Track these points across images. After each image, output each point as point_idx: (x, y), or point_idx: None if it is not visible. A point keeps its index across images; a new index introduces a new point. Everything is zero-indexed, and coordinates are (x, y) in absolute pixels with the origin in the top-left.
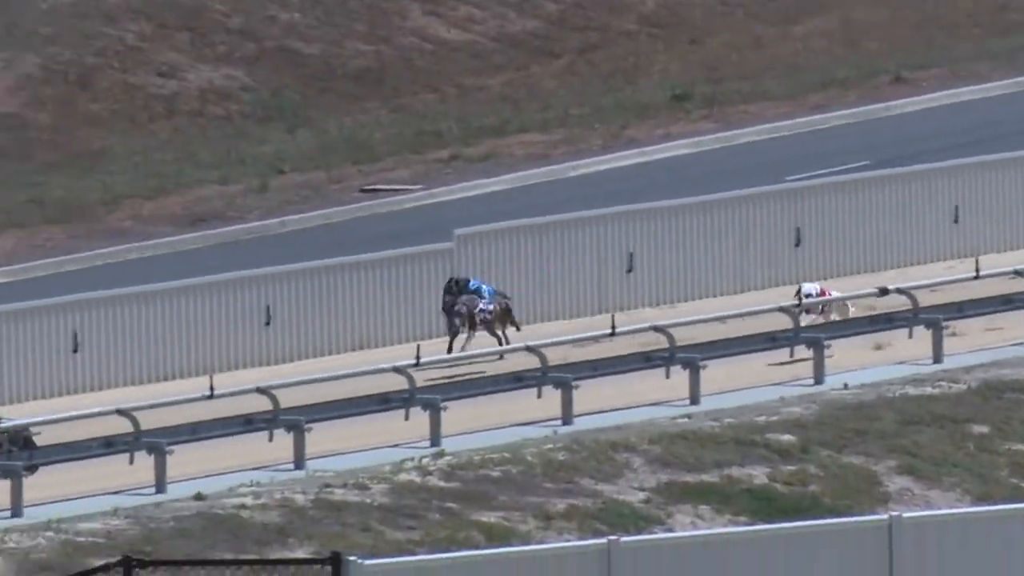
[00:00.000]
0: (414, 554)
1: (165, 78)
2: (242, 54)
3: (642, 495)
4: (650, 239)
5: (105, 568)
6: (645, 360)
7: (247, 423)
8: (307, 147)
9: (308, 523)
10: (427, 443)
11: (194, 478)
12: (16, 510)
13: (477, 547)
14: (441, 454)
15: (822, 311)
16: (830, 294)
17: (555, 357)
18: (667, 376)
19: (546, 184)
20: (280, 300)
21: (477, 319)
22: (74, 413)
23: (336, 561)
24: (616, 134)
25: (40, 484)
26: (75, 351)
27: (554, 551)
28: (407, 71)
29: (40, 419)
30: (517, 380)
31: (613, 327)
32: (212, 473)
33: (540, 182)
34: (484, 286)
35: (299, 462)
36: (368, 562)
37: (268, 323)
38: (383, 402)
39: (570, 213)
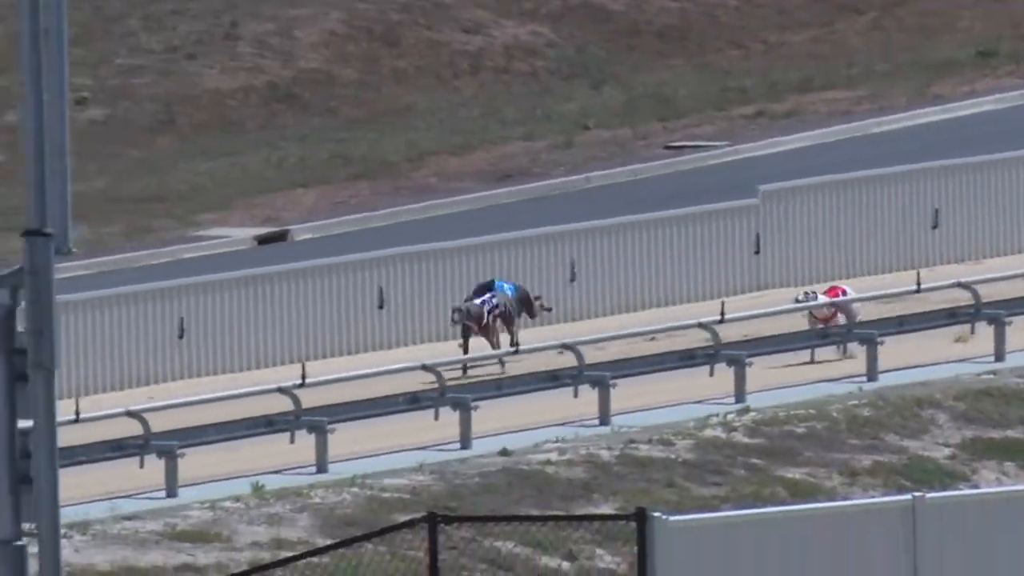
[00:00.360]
0: (719, 510)
1: (470, 34)
2: (547, 10)
3: (947, 451)
4: (956, 195)
5: (410, 524)
6: (950, 316)
7: (553, 379)
8: (612, 103)
9: (613, 479)
10: (731, 399)
11: (499, 434)
12: (321, 466)
13: (782, 503)
14: (746, 410)
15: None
16: (844, 294)
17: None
18: (972, 332)
19: (849, 141)
20: (584, 256)
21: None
22: (379, 369)
23: (641, 517)
24: (921, 91)
25: (345, 440)
26: (380, 307)
27: (858, 508)
28: (712, 27)
29: (346, 375)
30: (823, 337)
31: (919, 283)
32: (517, 429)
33: (844, 139)
34: (507, 284)
35: (604, 418)
36: (673, 518)
37: (572, 279)
38: (687, 358)
39: (875, 169)
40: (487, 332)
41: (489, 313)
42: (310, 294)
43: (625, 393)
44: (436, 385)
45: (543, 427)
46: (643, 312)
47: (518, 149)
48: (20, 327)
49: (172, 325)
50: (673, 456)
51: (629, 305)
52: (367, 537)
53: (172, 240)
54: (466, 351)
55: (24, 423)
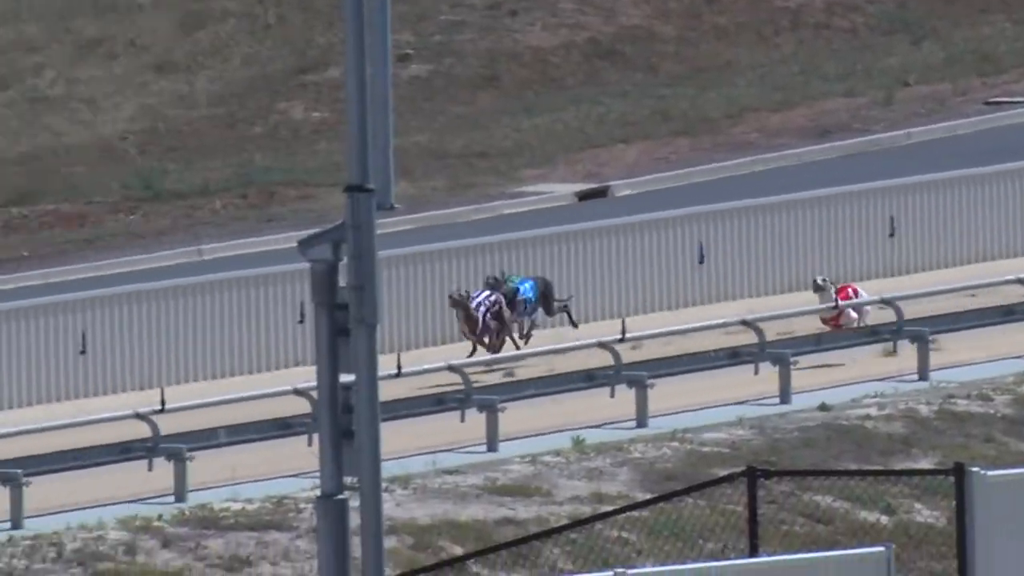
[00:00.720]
0: None
1: None
2: None
3: None
4: None
5: (729, 478)
6: None
7: (872, 334)
8: (932, 59)
9: (932, 434)
10: None
11: (818, 389)
12: (641, 420)
13: None
14: None
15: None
16: (856, 294)
17: None
18: None
19: None
20: (904, 212)
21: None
22: (698, 324)
23: (959, 472)
24: None
25: (665, 395)
26: (700, 262)
27: None
28: None
29: (666, 330)
30: None
31: None
32: (835, 384)
33: None
34: (528, 281)
35: (923, 373)
36: (992, 473)
37: (892, 234)
38: (1006, 314)
39: None
40: (484, 333)
41: (484, 314)
42: (630, 250)
43: (947, 348)
44: (756, 341)
45: (862, 382)
46: (963, 267)
47: (838, 105)
48: (342, 282)
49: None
50: (992, 411)
51: (949, 260)
52: (687, 491)
53: (494, 196)
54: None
55: (346, 378)
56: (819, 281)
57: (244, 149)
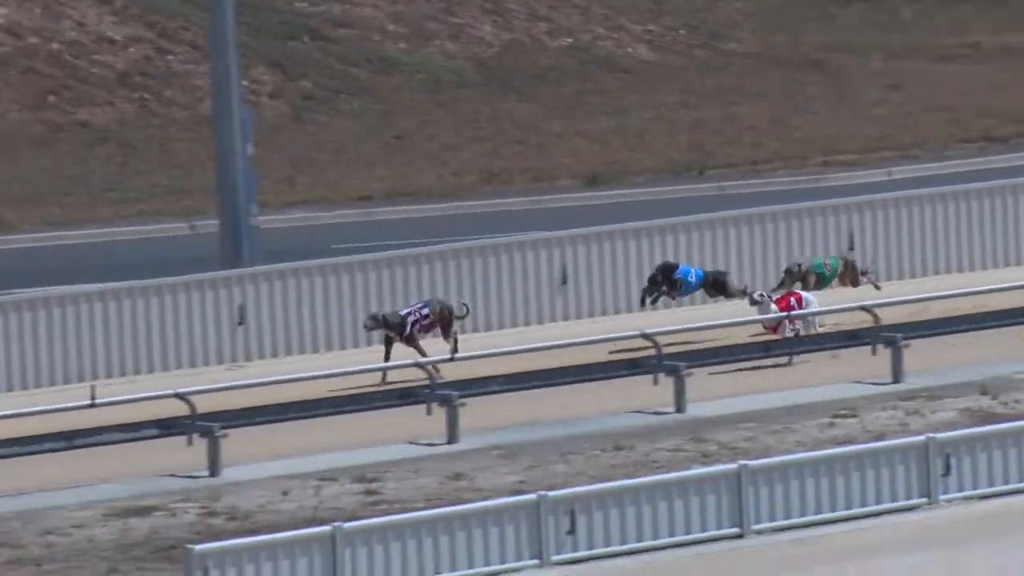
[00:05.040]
0: None
1: None
2: None
3: None
4: None
5: None
6: None
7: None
8: None
9: None
10: None
11: None
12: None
13: None
14: None
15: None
16: (799, 302)
17: None
18: None
19: None
20: None
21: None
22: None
23: None
24: None
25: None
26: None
27: None
28: None
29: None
30: None
31: None
32: None
33: None
34: (693, 270)
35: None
36: None
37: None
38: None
39: None
40: (410, 342)
41: (413, 324)
42: None
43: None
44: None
45: None
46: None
47: None
48: None
49: None
50: None
51: None
52: None
53: None
54: (387, 359)
55: None
56: (756, 297)
57: None
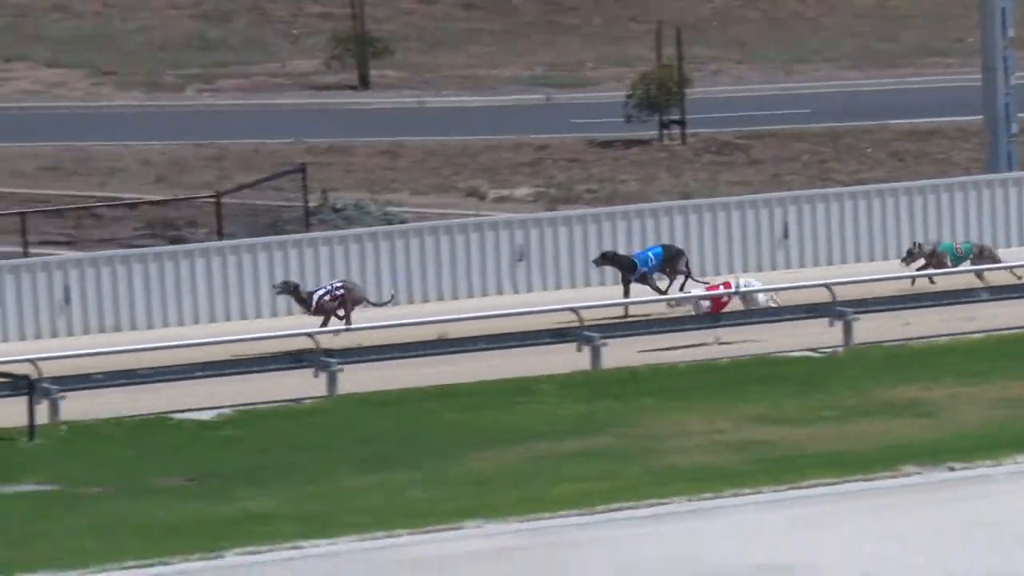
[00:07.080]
0: None
1: None
2: None
3: None
4: None
5: None
6: None
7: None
8: None
9: None
10: None
11: None
12: None
13: None
14: None
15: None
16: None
17: None
18: None
19: None
20: None
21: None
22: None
23: None
24: None
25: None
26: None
27: None
28: None
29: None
30: None
31: None
32: None
33: None
34: (651, 251)
35: None
36: None
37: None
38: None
39: None
40: (320, 312)
41: (320, 298)
42: None
43: None
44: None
45: None
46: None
47: None
48: None
49: None
50: None
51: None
52: None
53: None
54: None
55: None
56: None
57: None
